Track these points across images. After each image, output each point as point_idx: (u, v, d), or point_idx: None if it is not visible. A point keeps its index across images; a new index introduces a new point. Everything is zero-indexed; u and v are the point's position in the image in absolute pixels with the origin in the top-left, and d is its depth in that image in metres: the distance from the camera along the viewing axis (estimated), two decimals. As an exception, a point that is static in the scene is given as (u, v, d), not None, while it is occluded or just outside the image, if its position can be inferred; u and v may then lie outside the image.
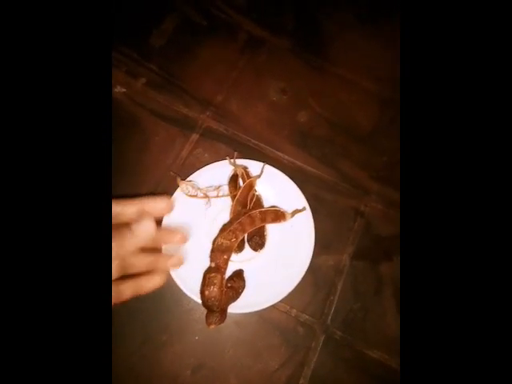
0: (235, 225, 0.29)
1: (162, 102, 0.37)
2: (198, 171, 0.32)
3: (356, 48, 0.42)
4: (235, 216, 0.30)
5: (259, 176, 0.32)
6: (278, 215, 0.31)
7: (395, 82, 0.41)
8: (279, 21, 0.42)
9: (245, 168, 0.32)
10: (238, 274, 0.31)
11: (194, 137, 0.36)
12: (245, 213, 0.30)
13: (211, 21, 0.41)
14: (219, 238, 0.29)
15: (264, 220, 0.30)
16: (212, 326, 0.28)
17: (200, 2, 0.42)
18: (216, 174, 0.33)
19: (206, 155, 0.35)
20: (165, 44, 0.39)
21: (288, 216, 0.31)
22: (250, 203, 0.32)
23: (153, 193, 0.34)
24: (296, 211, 0.31)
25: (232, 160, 0.33)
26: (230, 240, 0.29)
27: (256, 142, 0.36)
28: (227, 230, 0.29)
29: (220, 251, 0.29)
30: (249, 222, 0.30)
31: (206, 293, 0.29)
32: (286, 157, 0.36)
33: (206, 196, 0.31)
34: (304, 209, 0.32)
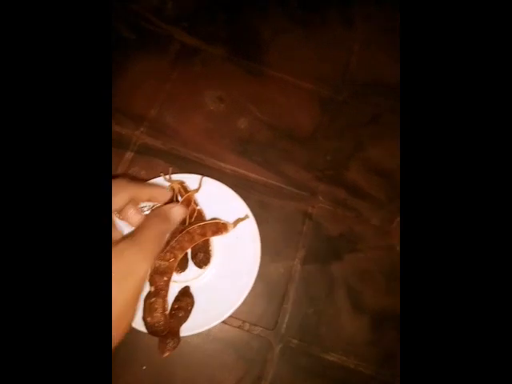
0: (173, 243, 0.28)
1: (93, 122, 0.35)
2: (132, 191, 0.31)
3: (292, 50, 0.42)
4: (172, 234, 0.29)
5: (197, 190, 0.31)
6: (218, 227, 0.30)
7: (333, 81, 0.42)
8: (212, 28, 0.41)
9: (181, 183, 0.31)
10: (184, 292, 0.30)
11: (129, 155, 0.34)
12: (182, 230, 0.29)
13: (140, 34, 0.39)
14: (156, 260, 0.27)
15: (204, 234, 0.29)
16: (167, 354, 0.26)
17: (127, 15, 0.40)
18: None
19: (142, 173, 0.34)
20: (91, 61, 0.37)
21: (230, 226, 0.30)
22: (191, 219, 0.31)
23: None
24: (238, 220, 0.30)
25: (167, 176, 0.31)
26: (168, 260, 0.28)
27: (196, 155, 0.35)
28: (164, 251, 0.28)
29: (158, 274, 0.27)
30: (187, 239, 0.28)
31: (149, 319, 0.27)
32: (228, 166, 0.36)
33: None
34: (246, 217, 0.31)
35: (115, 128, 0.35)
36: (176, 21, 0.41)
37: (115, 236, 0.23)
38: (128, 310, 0.20)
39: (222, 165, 0.35)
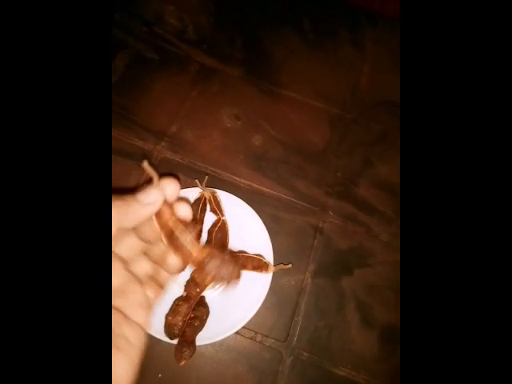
0: None
1: (117, 137, 0.37)
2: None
3: (304, 71, 0.44)
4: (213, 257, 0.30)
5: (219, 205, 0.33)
6: (260, 264, 0.30)
7: (343, 100, 0.44)
8: (229, 50, 0.44)
9: (213, 192, 0.33)
10: (200, 302, 0.31)
11: (150, 169, 0.36)
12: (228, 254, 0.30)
13: (163, 55, 0.42)
14: (195, 272, 0.29)
15: (245, 266, 0.30)
16: (183, 362, 0.27)
17: (151, 37, 0.43)
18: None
19: (162, 186, 0.35)
20: (117, 80, 0.40)
21: (271, 268, 0.31)
22: (215, 228, 0.32)
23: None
24: (280, 267, 0.31)
25: (202, 183, 0.33)
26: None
27: (213, 169, 0.37)
28: None
29: (194, 283, 0.29)
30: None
31: (170, 318, 0.28)
32: (243, 181, 0.37)
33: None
34: (290, 265, 0.31)
35: (138, 143, 0.37)
36: (196, 43, 0.43)
37: None
38: None
39: (237, 179, 0.37)
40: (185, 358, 0.27)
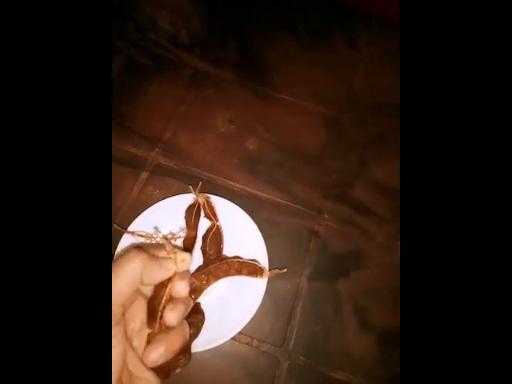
0: (210, 268, 0.29)
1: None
2: (148, 209, 0.33)
3: (299, 74, 0.44)
4: (210, 260, 0.30)
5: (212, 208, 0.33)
6: (255, 270, 0.30)
7: (338, 102, 0.44)
8: (223, 54, 0.44)
9: (207, 198, 0.33)
10: (195, 308, 0.30)
11: (144, 175, 0.36)
12: (222, 259, 0.30)
13: (156, 60, 0.42)
14: (191, 277, 0.29)
15: (240, 271, 0.30)
16: (178, 370, 0.27)
17: (144, 42, 0.43)
18: (168, 210, 0.33)
19: (156, 192, 0.35)
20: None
21: (266, 273, 0.30)
22: (209, 233, 0.32)
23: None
24: (275, 272, 0.31)
25: (195, 189, 0.33)
26: (201, 282, 0.29)
27: (207, 174, 0.37)
28: (200, 271, 0.29)
29: (191, 290, 0.29)
30: (224, 270, 0.30)
31: None
32: (238, 185, 0.37)
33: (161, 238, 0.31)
34: (285, 270, 0.31)
35: (131, 149, 0.37)
36: (189, 47, 0.43)
37: None
38: None
39: (232, 184, 0.37)
40: (180, 366, 0.27)
